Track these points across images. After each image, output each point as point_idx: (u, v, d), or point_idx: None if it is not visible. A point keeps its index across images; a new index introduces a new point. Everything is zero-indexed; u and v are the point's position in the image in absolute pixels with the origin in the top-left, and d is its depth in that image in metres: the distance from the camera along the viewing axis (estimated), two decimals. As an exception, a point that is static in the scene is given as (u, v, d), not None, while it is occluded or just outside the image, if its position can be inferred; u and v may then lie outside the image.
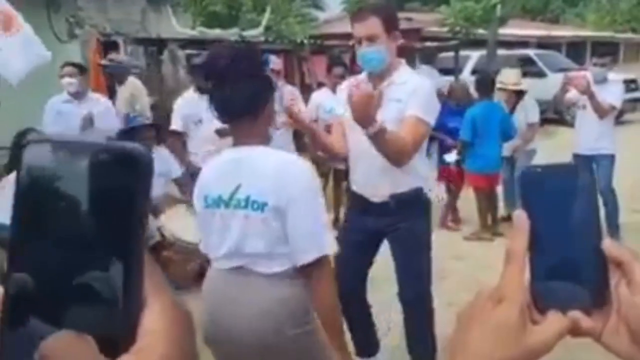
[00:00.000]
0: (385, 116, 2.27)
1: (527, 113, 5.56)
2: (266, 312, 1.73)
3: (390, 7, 2.70)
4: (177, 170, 4.47)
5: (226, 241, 1.75)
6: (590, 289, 0.54)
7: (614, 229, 4.91)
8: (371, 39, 2.41)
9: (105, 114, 4.72)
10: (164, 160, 4.37)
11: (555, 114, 12.05)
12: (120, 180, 0.40)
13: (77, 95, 4.79)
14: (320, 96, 5.47)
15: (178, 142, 4.64)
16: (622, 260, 0.53)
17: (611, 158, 5.03)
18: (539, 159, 5.83)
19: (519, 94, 5.59)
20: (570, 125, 11.94)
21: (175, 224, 4.12)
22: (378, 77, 2.53)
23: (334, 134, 2.73)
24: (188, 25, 11.13)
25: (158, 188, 4.29)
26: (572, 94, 5.04)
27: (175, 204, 4.27)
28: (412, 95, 2.45)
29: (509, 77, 5.61)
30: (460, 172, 5.56)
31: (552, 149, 7.97)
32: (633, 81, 12.43)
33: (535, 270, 0.55)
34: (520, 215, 0.56)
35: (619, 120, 11.50)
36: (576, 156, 5.05)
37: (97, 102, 4.93)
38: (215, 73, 1.74)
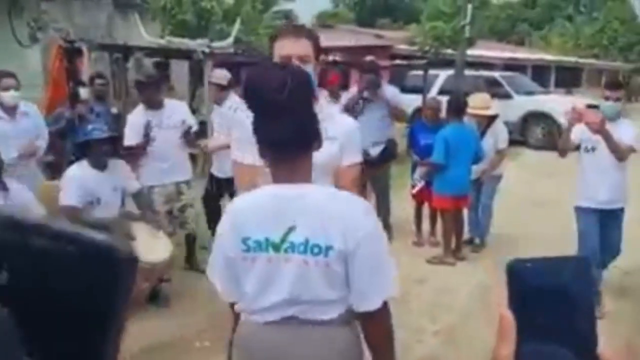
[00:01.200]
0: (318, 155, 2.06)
1: (496, 138, 5.59)
2: None
3: (317, 35, 2.23)
4: (134, 184, 4.31)
5: (276, 289, 1.55)
6: None
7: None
8: (304, 59, 2.07)
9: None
10: (120, 174, 4.21)
11: (520, 136, 12.27)
12: (92, 281, 0.30)
13: (11, 111, 4.43)
14: None
15: (134, 158, 4.54)
16: None
17: (623, 212, 4.24)
18: (504, 182, 5.87)
19: (491, 118, 5.62)
20: (534, 147, 12.31)
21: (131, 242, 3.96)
22: None
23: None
24: (156, 33, 10.94)
25: (114, 204, 4.13)
26: (574, 134, 4.13)
27: (128, 225, 4.11)
28: (349, 138, 2.15)
29: (479, 102, 5.64)
30: (429, 192, 5.57)
31: (517, 171, 8.10)
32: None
33: None
34: (506, 318, 0.49)
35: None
36: (580, 209, 4.27)
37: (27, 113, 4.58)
38: (271, 101, 1.50)
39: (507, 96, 12.69)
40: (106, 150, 4.06)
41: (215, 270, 1.67)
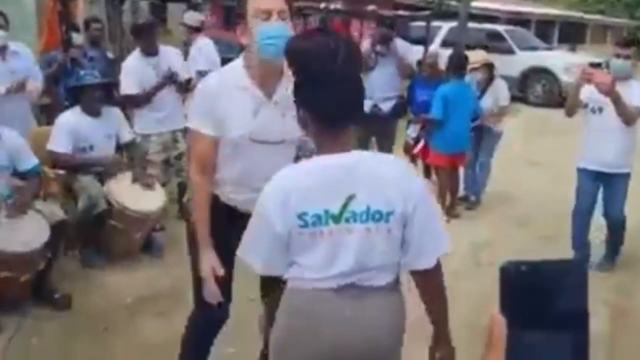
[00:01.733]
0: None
1: (497, 96, 5.51)
2: (390, 329, 1.64)
3: None
4: (127, 134, 4.25)
5: (339, 261, 1.55)
6: None
7: (610, 261, 4.32)
8: (283, 15, 2.00)
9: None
10: (114, 121, 4.14)
11: (520, 92, 12.13)
12: None
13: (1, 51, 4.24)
14: None
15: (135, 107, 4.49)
16: None
17: (628, 177, 4.10)
18: (505, 140, 5.82)
19: (491, 71, 5.53)
20: (534, 104, 12.21)
21: (123, 191, 3.93)
22: (272, 69, 2.07)
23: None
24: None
25: (108, 151, 4.08)
26: (583, 94, 3.98)
27: (123, 170, 4.07)
28: None
29: (477, 56, 5.57)
30: (425, 149, 5.53)
31: (515, 128, 8.03)
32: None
33: None
34: (498, 322, 0.47)
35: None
36: (582, 171, 4.17)
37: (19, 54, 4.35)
38: (323, 70, 1.49)
39: (510, 51, 12.49)
40: (99, 96, 3.99)
41: (254, 250, 1.63)
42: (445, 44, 11.63)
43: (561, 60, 12.54)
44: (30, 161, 3.54)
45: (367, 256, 1.55)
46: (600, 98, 3.79)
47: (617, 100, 3.67)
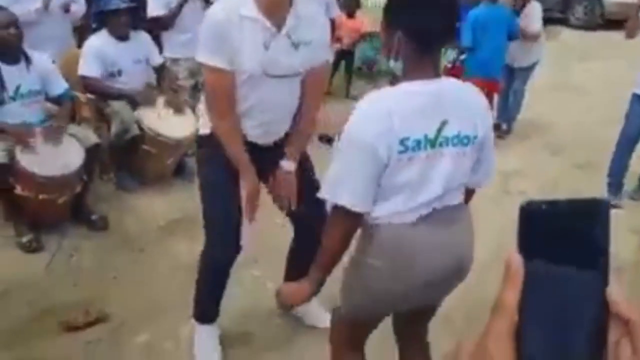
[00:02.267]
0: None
1: (530, 21, 5.24)
2: (471, 242, 1.74)
3: None
4: (157, 57, 4.22)
5: (433, 185, 1.57)
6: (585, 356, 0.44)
7: None
8: None
9: None
10: (143, 46, 4.11)
11: (561, 13, 11.58)
12: None
13: None
14: None
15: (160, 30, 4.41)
16: (629, 319, 0.45)
17: None
18: (541, 65, 5.62)
19: None
20: (575, 27, 11.65)
21: (155, 117, 3.96)
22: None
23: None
24: None
25: (137, 76, 4.08)
26: None
27: (155, 95, 4.08)
28: (323, 37, 2.23)
29: None
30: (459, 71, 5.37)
31: (554, 53, 7.73)
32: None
33: (526, 332, 0.45)
34: (515, 260, 0.46)
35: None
36: (635, 96, 4.00)
37: None
38: None
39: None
40: (125, 21, 3.93)
41: (347, 186, 1.55)
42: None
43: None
44: (61, 85, 3.57)
45: (454, 178, 1.60)
46: None
47: None
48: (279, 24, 2.05)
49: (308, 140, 2.47)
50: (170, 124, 3.96)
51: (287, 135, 2.33)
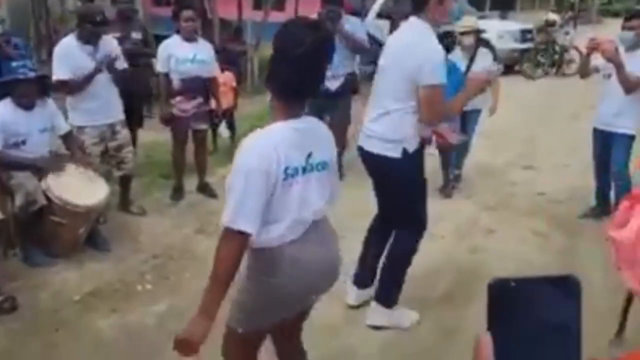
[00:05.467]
0: None
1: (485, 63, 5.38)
2: (337, 244, 2.08)
3: None
4: (64, 125, 4.06)
5: (308, 205, 1.89)
6: None
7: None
8: None
9: None
10: (48, 114, 3.94)
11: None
12: None
13: None
14: (171, 45, 4.81)
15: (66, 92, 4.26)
16: None
17: (630, 139, 4.48)
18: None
19: (478, 37, 5.43)
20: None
21: (63, 186, 3.78)
22: None
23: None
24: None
25: (43, 145, 3.90)
26: (599, 60, 4.40)
27: (64, 162, 3.90)
28: None
29: (468, 21, 5.43)
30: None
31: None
32: (529, 31, 12.88)
33: None
34: (484, 343, 0.47)
35: (513, 70, 11.89)
36: (594, 130, 4.70)
37: None
38: (293, 53, 1.80)
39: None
40: (32, 90, 3.77)
41: (247, 215, 1.75)
42: (380, 15, 11.62)
43: (494, 27, 12.71)
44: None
45: (322, 197, 1.95)
46: (608, 65, 4.26)
47: (618, 67, 4.13)
48: None
49: None
50: (79, 191, 3.79)
51: None
